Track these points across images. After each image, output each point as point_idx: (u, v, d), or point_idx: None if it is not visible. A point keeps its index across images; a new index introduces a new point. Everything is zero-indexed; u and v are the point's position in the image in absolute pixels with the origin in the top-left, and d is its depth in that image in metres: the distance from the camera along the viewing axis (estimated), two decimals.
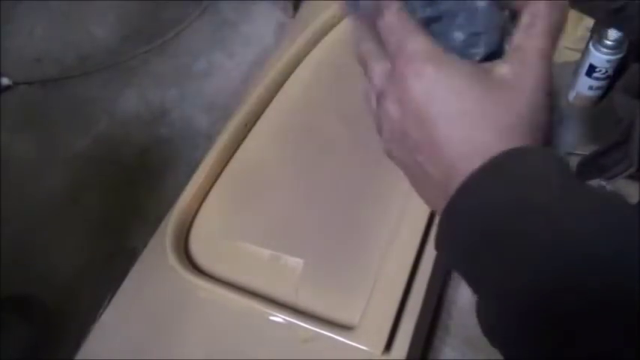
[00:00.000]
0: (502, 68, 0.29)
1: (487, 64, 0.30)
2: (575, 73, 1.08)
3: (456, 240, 0.28)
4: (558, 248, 0.24)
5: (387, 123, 0.31)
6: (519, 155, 0.26)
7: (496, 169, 0.26)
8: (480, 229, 0.26)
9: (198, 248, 0.79)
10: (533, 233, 0.24)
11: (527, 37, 0.29)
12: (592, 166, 0.68)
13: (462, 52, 0.30)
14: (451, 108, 0.27)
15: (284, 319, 0.69)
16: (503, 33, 0.31)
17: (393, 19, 0.30)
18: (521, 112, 0.28)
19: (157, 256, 0.76)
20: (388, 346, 0.66)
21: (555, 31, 0.30)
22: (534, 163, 0.26)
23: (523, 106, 0.28)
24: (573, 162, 1.05)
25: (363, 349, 0.65)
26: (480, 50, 0.31)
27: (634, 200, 0.58)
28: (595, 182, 0.65)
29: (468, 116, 0.27)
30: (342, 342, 0.66)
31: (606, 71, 1.02)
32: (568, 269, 0.23)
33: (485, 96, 0.28)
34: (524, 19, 0.30)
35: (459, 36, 0.31)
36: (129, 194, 1.10)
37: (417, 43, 0.29)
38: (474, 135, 0.27)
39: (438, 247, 0.29)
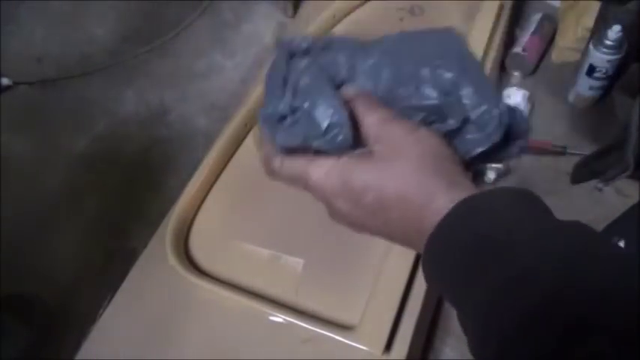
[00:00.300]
0: (376, 149, 0.33)
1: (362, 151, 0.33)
2: (575, 73, 1.08)
3: (440, 273, 0.31)
4: (519, 282, 0.26)
5: (340, 216, 0.35)
6: (482, 197, 0.30)
7: (463, 213, 0.29)
8: (461, 256, 0.29)
9: (198, 248, 0.79)
10: (498, 268, 0.27)
11: (365, 118, 0.34)
12: (586, 169, 0.69)
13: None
14: (380, 195, 0.32)
15: (284, 319, 0.69)
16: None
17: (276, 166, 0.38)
18: (419, 167, 0.32)
19: (157, 256, 0.76)
20: (388, 346, 0.66)
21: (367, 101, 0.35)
22: (493, 203, 0.30)
23: (413, 166, 0.32)
24: (570, 164, 1.05)
25: (363, 349, 0.65)
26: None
27: (634, 200, 0.58)
28: (592, 185, 0.65)
29: (392, 195, 0.32)
30: (342, 342, 0.66)
31: (606, 71, 1.02)
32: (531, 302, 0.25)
33: (387, 173, 0.32)
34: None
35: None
36: (129, 194, 1.10)
37: (315, 170, 0.34)
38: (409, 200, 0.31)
39: (427, 280, 0.33)
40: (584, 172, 0.69)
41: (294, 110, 0.34)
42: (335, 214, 0.35)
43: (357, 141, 0.33)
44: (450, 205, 0.29)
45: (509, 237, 0.28)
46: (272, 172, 0.38)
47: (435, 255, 0.30)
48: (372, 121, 0.33)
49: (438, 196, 0.30)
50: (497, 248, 0.27)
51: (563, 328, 0.24)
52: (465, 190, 0.30)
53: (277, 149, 0.37)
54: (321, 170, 0.33)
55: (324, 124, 0.32)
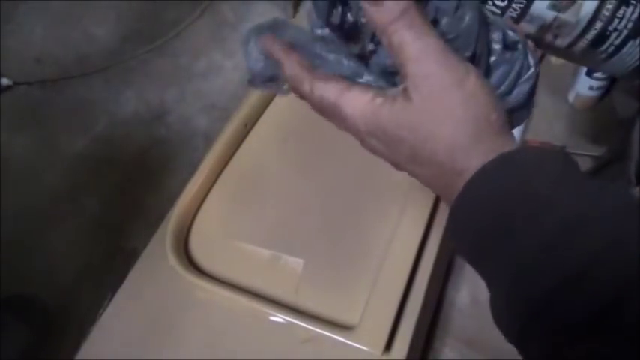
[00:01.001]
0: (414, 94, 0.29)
1: (394, 90, 0.29)
2: (575, 73, 1.08)
3: (468, 228, 0.28)
4: (558, 235, 0.25)
5: (372, 151, 0.32)
6: (520, 152, 0.27)
7: (501, 164, 0.27)
8: (490, 217, 0.27)
9: (198, 248, 0.79)
10: (536, 221, 0.25)
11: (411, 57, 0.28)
12: None
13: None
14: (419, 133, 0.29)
15: (284, 319, 0.69)
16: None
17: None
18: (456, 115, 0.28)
19: (157, 256, 0.76)
20: (388, 346, 0.66)
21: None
22: (533, 158, 0.27)
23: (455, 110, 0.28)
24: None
25: (363, 349, 0.65)
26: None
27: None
28: None
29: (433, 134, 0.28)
30: (342, 342, 0.66)
31: None
32: (568, 256, 0.24)
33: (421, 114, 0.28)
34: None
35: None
36: (129, 194, 1.10)
37: (349, 103, 0.30)
38: (456, 140, 0.28)
39: (450, 235, 0.30)
40: None
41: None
42: (367, 147, 0.32)
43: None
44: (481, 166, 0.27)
45: (549, 192, 0.26)
46: (301, 95, 0.33)
47: (461, 219, 0.29)
48: (416, 49, 0.27)
49: (473, 164, 0.28)
50: (534, 205, 0.26)
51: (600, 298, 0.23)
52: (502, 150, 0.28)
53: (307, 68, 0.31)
54: (355, 106, 0.30)
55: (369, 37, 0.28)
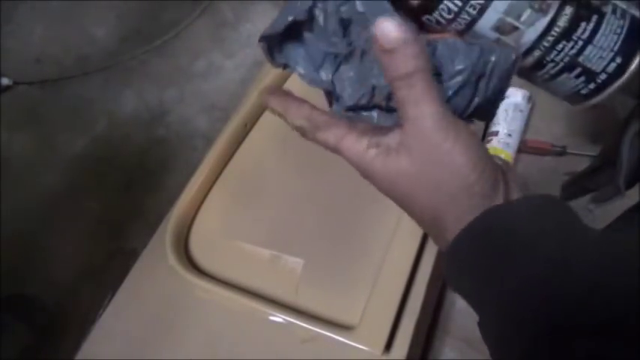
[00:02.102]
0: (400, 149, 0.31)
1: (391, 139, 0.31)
2: None
3: (457, 283, 0.32)
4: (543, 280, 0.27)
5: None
6: (506, 208, 0.30)
7: (488, 221, 0.30)
8: (475, 276, 0.30)
9: (198, 248, 0.79)
10: (515, 275, 0.28)
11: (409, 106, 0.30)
12: (576, 187, 0.69)
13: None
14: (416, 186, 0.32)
15: (284, 319, 0.69)
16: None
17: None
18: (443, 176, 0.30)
19: (157, 256, 0.76)
20: (388, 346, 0.66)
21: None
22: (513, 216, 0.29)
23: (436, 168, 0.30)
24: (570, 164, 1.05)
25: (363, 349, 0.65)
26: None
27: (634, 200, 0.58)
28: (583, 206, 0.65)
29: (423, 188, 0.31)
30: (342, 342, 0.66)
31: None
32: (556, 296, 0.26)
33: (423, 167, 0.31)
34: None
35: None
36: (128, 194, 1.10)
37: (348, 150, 0.33)
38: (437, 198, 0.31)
39: (447, 282, 0.33)
40: (574, 189, 0.69)
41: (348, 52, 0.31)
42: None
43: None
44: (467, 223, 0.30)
45: (530, 250, 0.28)
46: (303, 133, 0.36)
47: (453, 270, 0.32)
48: (413, 114, 0.29)
49: (454, 230, 0.30)
50: (516, 258, 0.28)
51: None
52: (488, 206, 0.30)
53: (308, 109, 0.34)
54: (353, 151, 0.32)
55: (371, 84, 0.30)
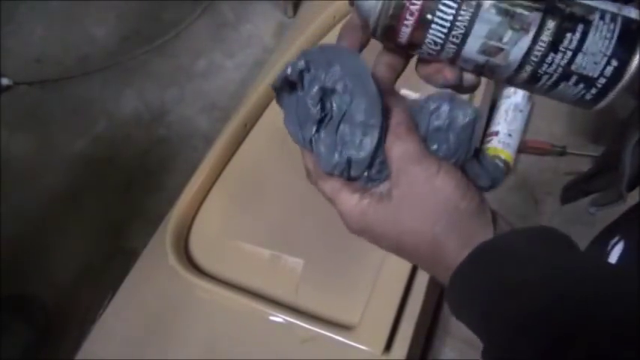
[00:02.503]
0: (387, 188, 0.33)
1: (378, 189, 0.34)
2: None
3: (458, 313, 0.32)
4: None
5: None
6: (505, 238, 0.31)
7: (486, 252, 0.31)
8: (476, 304, 0.31)
9: (198, 248, 0.79)
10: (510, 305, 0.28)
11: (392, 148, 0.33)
12: (576, 190, 0.70)
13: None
14: (395, 233, 0.33)
15: (284, 319, 0.69)
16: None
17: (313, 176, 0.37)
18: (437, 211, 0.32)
19: (157, 256, 0.76)
20: (388, 346, 0.66)
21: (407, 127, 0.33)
22: (504, 252, 0.30)
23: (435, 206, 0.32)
24: (570, 164, 1.05)
25: (363, 349, 0.65)
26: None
27: (634, 200, 0.58)
28: (584, 209, 0.66)
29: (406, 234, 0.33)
30: (342, 342, 0.66)
31: None
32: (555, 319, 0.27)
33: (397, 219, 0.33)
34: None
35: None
36: (128, 194, 1.10)
37: (341, 203, 0.35)
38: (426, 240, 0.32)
39: (452, 312, 0.33)
40: (574, 192, 0.70)
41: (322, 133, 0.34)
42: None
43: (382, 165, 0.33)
44: (459, 261, 0.31)
45: (519, 284, 0.28)
46: (308, 176, 0.39)
47: (453, 301, 0.32)
48: (396, 153, 0.33)
49: (451, 255, 0.31)
50: (508, 294, 0.29)
51: None
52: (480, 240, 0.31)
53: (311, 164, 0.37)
54: (347, 205, 0.34)
55: (346, 157, 0.33)
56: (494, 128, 1.07)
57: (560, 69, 0.29)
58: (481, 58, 0.30)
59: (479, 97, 0.95)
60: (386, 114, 0.33)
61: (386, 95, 0.33)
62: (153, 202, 1.06)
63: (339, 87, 0.33)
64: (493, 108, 1.11)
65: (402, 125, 0.33)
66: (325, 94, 0.33)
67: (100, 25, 1.39)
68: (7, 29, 1.38)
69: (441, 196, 0.32)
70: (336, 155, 0.33)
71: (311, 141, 0.34)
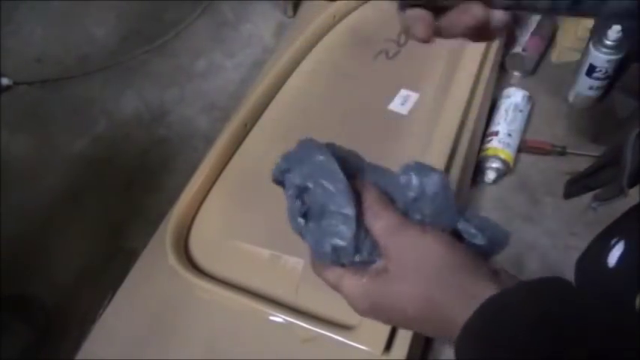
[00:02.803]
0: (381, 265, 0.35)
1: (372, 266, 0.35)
2: (575, 73, 1.08)
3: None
4: None
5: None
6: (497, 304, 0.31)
7: (486, 315, 0.31)
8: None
9: (198, 248, 0.79)
10: None
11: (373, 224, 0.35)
12: (579, 185, 0.70)
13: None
14: (397, 311, 0.34)
15: (284, 319, 0.69)
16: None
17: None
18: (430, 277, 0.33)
19: (157, 256, 0.76)
20: (388, 346, 0.66)
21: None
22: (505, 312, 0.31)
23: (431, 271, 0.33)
24: (570, 164, 1.05)
25: (363, 349, 0.65)
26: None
27: (634, 200, 0.58)
28: (586, 204, 0.66)
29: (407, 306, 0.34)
30: (342, 342, 0.66)
31: (606, 71, 1.02)
32: None
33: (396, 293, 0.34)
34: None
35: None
36: (128, 194, 1.10)
37: (344, 288, 0.36)
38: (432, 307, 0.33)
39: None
40: (577, 187, 0.70)
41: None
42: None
43: (372, 246, 0.35)
44: (465, 318, 0.31)
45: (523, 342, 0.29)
46: (312, 267, 0.40)
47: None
48: (379, 230, 0.34)
49: (453, 314, 0.32)
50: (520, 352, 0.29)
51: None
52: (479, 296, 0.31)
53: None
54: (349, 288, 0.36)
55: (330, 246, 0.35)
56: (494, 128, 1.07)
57: None
58: None
59: (478, 97, 0.95)
60: (358, 197, 0.35)
61: (355, 180, 0.36)
62: (153, 202, 1.06)
63: (310, 184, 0.36)
64: (493, 108, 1.11)
65: (375, 204, 0.35)
66: (302, 190, 0.36)
67: (100, 25, 1.39)
68: (7, 29, 1.38)
69: (431, 258, 0.33)
70: (324, 245, 0.35)
71: (303, 233, 0.37)
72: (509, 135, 1.06)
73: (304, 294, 0.72)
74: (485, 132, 1.08)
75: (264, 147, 0.88)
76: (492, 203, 1.04)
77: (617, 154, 0.59)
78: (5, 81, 1.24)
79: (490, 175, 1.04)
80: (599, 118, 1.10)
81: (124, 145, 1.18)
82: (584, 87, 1.07)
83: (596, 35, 1.00)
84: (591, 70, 1.03)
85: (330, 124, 0.90)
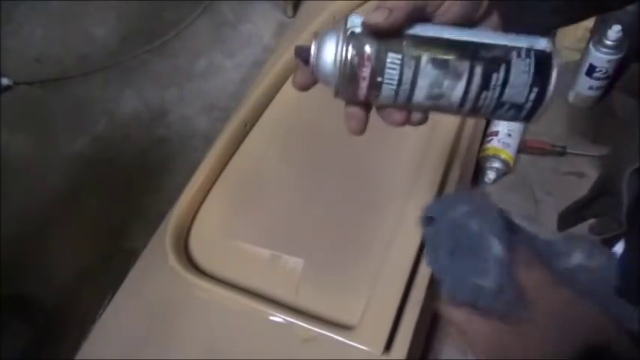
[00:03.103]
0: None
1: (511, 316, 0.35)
2: (575, 73, 1.08)
3: None
4: None
5: None
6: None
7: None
8: None
9: (198, 248, 0.79)
10: None
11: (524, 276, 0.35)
12: (573, 217, 0.70)
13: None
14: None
15: (284, 319, 0.69)
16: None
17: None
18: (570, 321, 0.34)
19: (157, 256, 0.76)
20: (388, 346, 0.66)
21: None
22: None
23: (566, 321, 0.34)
24: (570, 164, 1.04)
25: (363, 349, 0.65)
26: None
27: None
28: (586, 237, 0.66)
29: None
30: (342, 342, 0.66)
31: (606, 71, 1.02)
32: None
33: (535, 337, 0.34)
34: None
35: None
36: (128, 194, 1.10)
37: (475, 330, 0.36)
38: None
39: None
40: (571, 218, 0.70)
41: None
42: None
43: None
44: None
45: None
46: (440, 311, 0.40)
47: None
48: (530, 281, 0.35)
49: None
50: None
51: None
52: None
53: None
54: (477, 326, 0.36)
55: (472, 285, 0.35)
56: (494, 128, 1.07)
57: (493, 102, 0.35)
58: (428, 102, 0.35)
59: None
60: (511, 248, 0.36)
61: (510, 233, 0.37)
62: (153, 202, 1.06)
63: (465, 220, 0.37)
64: None
65: (529, 257, 0.35)
66: (454, 227, 0.37)
67: (100, 25, 1.39)
68: (7, 29, 1.38)
69: (581, 327, 0.34)
70: (466, 283, 0.36)
71: (443, 270, 0.37)
72: (509, 135, 1.06)
73: (304, 294, 0.72)
74: (485, 132, 1.08)
75: (264, 147, 0.88)
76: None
77: (609, 185, 0.60)
78: (5, 81, 1.24)
79: (490, 175, 1.05)
80: (599, 118, 1.10)
81: (124, 145, 1.18)
82: (584, 87, 1.07)
83: (596, 35, 1.00)
84: (591, 70, 1.03)
85: (329, 124, 0.90)
